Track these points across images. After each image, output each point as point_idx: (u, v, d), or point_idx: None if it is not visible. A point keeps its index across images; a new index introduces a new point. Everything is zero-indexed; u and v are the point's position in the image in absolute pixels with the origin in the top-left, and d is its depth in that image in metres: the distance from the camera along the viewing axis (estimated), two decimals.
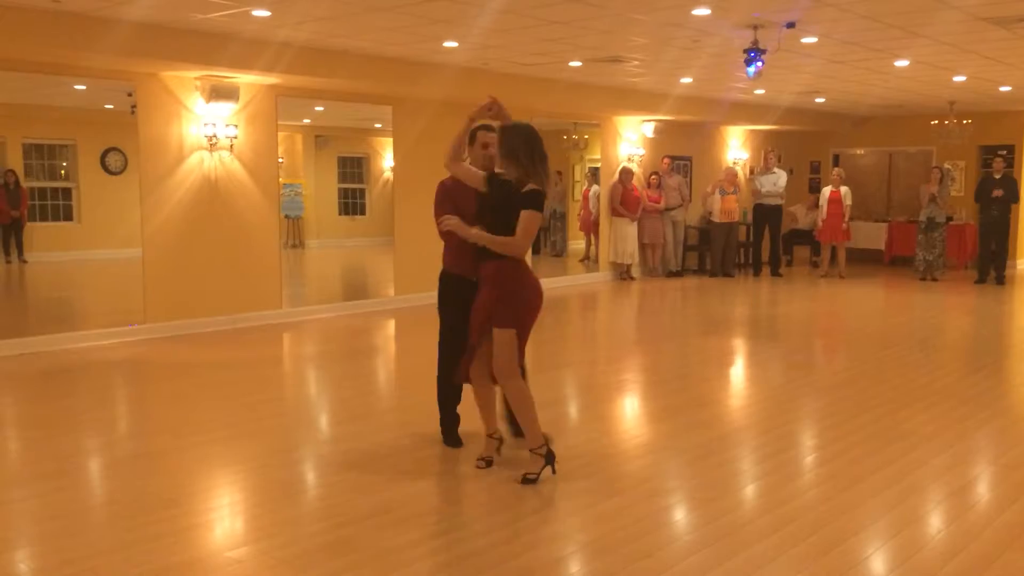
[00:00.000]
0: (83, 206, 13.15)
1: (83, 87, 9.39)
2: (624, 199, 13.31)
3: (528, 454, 4.43)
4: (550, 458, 4.43)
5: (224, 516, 4.17)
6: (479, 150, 4.81)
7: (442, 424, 5.08)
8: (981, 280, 13.16)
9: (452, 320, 4.83)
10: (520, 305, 4.44)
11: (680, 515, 4.18)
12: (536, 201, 4.30)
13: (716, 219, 13.98)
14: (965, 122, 13.97)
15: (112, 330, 8.37)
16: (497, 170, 4.52)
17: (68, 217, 13.21)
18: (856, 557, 3.64)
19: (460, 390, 4.98)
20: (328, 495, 4.39)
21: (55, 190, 13.13)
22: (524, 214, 4.27)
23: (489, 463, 4.63)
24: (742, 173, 15.74)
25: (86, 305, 11.18)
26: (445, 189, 4.89)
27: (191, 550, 3.71)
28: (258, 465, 4.82)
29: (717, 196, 13.96)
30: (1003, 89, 11.87)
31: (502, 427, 4.80)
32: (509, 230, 4.33)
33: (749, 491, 4.49)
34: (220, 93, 8.62)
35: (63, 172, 13.34)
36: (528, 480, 4.33)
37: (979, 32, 7.72)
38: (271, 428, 5.58)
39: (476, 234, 4.40)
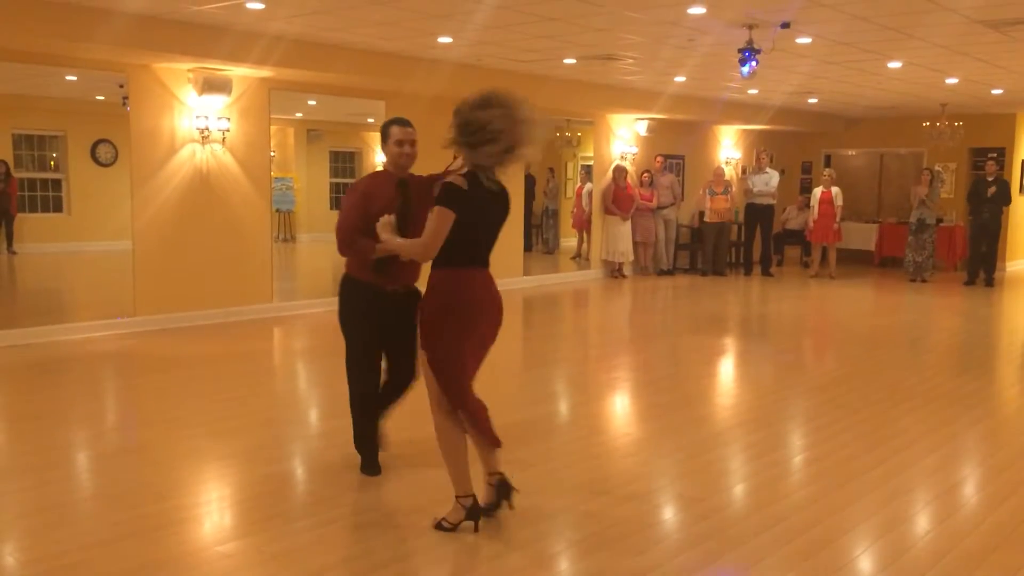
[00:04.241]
0: (73, 197, 13.10)
1: (74, 78, 9.33)
2: (617, 197, 13.32)
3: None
4: (473, 513, 3.79)
5: (214, 510, 4.15)
6: (393, 148, 4.29)
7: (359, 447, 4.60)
8: (970, 282, 13.22)
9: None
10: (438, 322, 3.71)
11: (670, 513, 4.18)
12: (443, 196, 3.61)
13: (706, 219, 14.06)
14: (956, 124, 14.02)
15: (101, 322, 8.33)
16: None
17: (58, 208, 13.16)
18: (846, 557, 3.65)
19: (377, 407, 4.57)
20: (318, 490, 4.38)
21: (45, 181, 13.07)
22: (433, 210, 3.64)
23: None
24: (734, 172, 15.77)
25: (75, 297, 11.12)
26: (362, 192, 4.31)
27: (181, 544, 3.69)
28: (248, 459, 4.80)
29: (707, 196, 14.03)
30: (995, 92, 11.91)
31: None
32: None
33: (739, 490, 4.49)
34: (213, 86, 8.58)
35: (53, 163, 13.28)
36: (442, 527, 3.79)
37: (972, 35, 7.74)
38: (261, 422, 5.55)
39: (387, 238, 3.89)
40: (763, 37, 7.63)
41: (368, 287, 4.35)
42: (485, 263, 3.79)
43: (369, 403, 4.54)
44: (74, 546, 3.63)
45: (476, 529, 3.80)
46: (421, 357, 3.82)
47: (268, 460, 4.79)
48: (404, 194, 4.30)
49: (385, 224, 3.92)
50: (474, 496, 3.80)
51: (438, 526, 3.81)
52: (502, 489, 3.85)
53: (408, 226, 4.16)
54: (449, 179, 3.65)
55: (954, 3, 6.55)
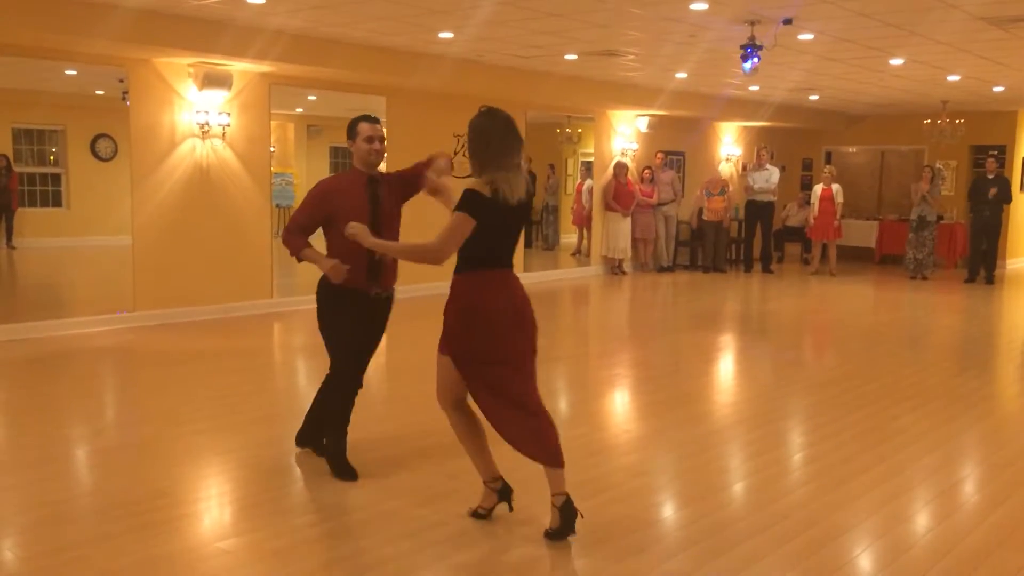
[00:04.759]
0: (72, 192, 13.09)
1: (74, 72, 9.32)
2: (618, 194, 13.31)
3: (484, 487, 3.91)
4: (504, 494, 3.89)
5: (213, 507, 4.15)
6: (362, 144, 4.27)
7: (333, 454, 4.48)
8: (971, 279, 13.22)
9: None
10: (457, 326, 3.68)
11: (670, 511, 4.18)
12: (466, 202, 3.54)
13: (704, 217, 14.10)
14: (957, 122, 14.01)
15: (101, 317, 8.32)
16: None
17: (57, 203, 13.15)
18: (846, 555, 3.65)
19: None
20: (318, 487, 4.37)
21: (44, 176, 13.06)
22: (453, 216, 3.58)
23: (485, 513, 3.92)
24: (735, 169, 15.75)
25: (75, 292, 11.11)
26: (323, 192, 4.31)
27: (180, 540, 3.68)
28: (248, 456, 4.79)
29: (704, 197, 14.07)
30: (996, 89, 11.89)
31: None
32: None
33: (739, 488, 4.49)
34: (213, 80, 8.56)
35: (52, 158, 13.26)
36: (477, 515, 3.89)
37: (975, 32, 7.72)
38: (261, 418, 5.55)
39: (379, 243, 3.88)
40: (765, 33, 7.61)
41: (351, 292, 4.31)
42: (508, 264, 3.73)
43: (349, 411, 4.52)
44: (73, 542, 3.63)
45: (510, 509, 3.89)
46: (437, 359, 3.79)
47: (268, 457, 4.78)
48: (374, 193, 4.28)
49: (364, 230, 3.83)
50: (502, 478, 3.87)
51: (474, 514, 3.89)
52: (565, 512, 3.65)
53: (379, 225, 4.17)
54: (472, 186, 3.56)
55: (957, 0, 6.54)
